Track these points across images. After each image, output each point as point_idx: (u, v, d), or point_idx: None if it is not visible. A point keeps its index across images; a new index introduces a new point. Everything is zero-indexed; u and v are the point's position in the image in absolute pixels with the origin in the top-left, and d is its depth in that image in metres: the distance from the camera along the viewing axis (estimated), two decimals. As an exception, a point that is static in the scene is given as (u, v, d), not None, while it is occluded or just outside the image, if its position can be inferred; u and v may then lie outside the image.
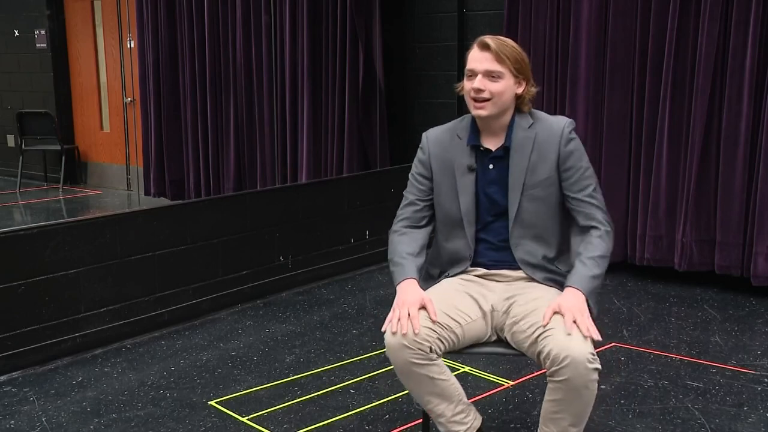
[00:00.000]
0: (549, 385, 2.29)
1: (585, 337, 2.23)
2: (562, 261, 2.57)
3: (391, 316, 2.37)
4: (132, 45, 7.32)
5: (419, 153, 2.66)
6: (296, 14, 5.90)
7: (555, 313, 2.31)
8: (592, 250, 2.44)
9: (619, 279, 4.88)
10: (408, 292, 2.42)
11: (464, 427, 2.47)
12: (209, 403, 3.27)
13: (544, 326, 2.29)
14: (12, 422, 3.11)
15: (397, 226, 2.65)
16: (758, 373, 3.46)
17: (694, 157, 4.50)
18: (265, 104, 6.26)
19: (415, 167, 2.66)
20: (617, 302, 4.47)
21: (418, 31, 5.80)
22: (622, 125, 4.79)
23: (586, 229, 2.50)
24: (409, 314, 2.34)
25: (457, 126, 2.63)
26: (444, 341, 2.38)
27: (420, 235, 2.61)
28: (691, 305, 4.39)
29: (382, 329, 2.39)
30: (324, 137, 5.97)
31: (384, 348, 2.39)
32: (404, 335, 2.30)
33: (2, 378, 3.54)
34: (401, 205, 2.68)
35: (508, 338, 2.47)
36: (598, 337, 2.26)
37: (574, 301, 2.33)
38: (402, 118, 5.93)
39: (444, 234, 2.63)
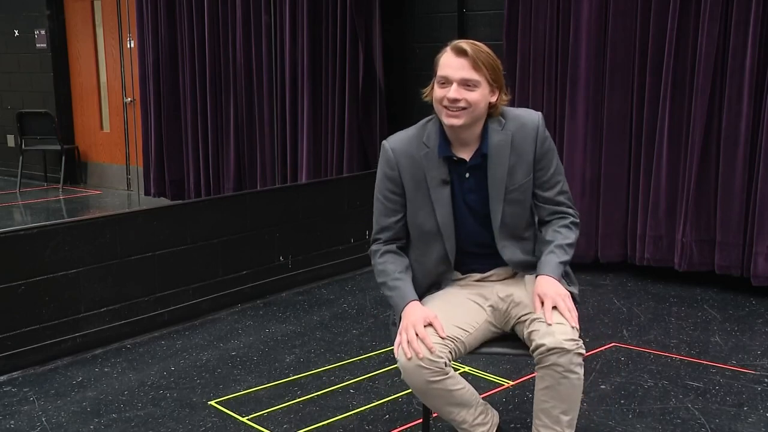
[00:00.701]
0: (537, 374, 2.34)
1: (571, 326, 2.29)
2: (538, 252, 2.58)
3: (399, 340, 2.33)
4: (132, 45, 7.31)
5: (386, 169, 2.48)
6: (296, 14, 5.89)
7: (541, 301, 2.35)
8: (562, 239, 2.48)
9: (619, 279, 4.89)
10: (411, 313, 2.38)
11: (486, 427, 2.50)
12: (209, 403, 3.27)
13: (534, 311, 2.35)
14: (12, 422, 3.11)
15: (375, 246, 2.55)
16: (758, 373, 3.46)
17: (694, 157, 4.50)
18: (265, 104, 6.26)
19: (384, 184, 2.50)
20: (617, 302, 4.46)
21: (418, 31, 5.80)
22: (622, 125, 4.79)
23: (554, 219, 2.52)
24: (417, 334, 2.30)
25: (422, 132, 2.48)
26: (454, 352, 2.38)
27: (401, 250, 2.55)
28: (691, 305, 4.39)
29: (396, 355, 2.36)
30: (324, 137, 5.96)
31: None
32: (420, 357, 2.27)
33: (2, 378, 3.54)
34: (375, 230, 2.55)
35: (516, 331, 2.51)
36: (575, 323, 2.31)
37: (554, 287, 2.38)
38: (402, 118, 5.92)
39: (420, 249, 2.54)
